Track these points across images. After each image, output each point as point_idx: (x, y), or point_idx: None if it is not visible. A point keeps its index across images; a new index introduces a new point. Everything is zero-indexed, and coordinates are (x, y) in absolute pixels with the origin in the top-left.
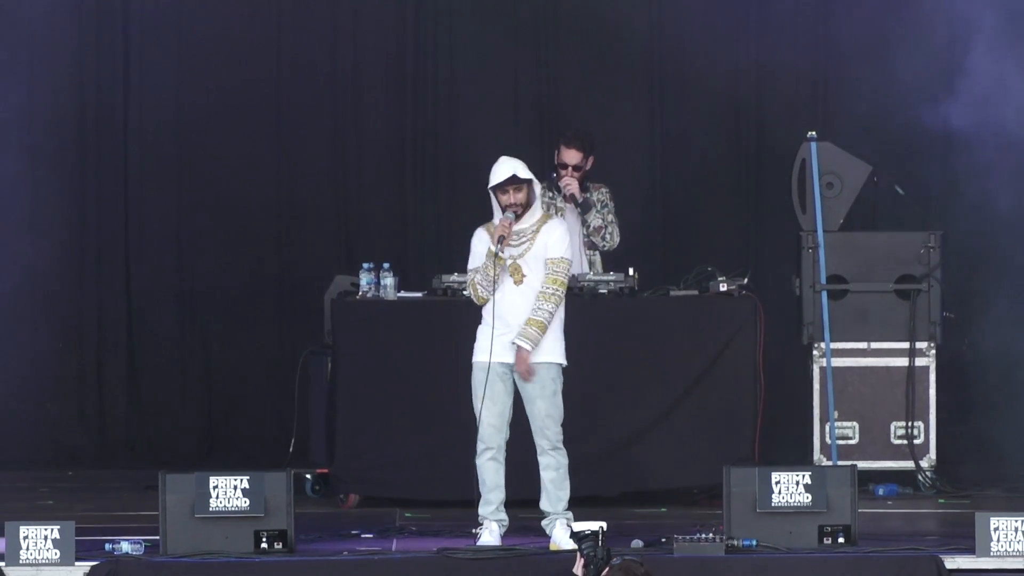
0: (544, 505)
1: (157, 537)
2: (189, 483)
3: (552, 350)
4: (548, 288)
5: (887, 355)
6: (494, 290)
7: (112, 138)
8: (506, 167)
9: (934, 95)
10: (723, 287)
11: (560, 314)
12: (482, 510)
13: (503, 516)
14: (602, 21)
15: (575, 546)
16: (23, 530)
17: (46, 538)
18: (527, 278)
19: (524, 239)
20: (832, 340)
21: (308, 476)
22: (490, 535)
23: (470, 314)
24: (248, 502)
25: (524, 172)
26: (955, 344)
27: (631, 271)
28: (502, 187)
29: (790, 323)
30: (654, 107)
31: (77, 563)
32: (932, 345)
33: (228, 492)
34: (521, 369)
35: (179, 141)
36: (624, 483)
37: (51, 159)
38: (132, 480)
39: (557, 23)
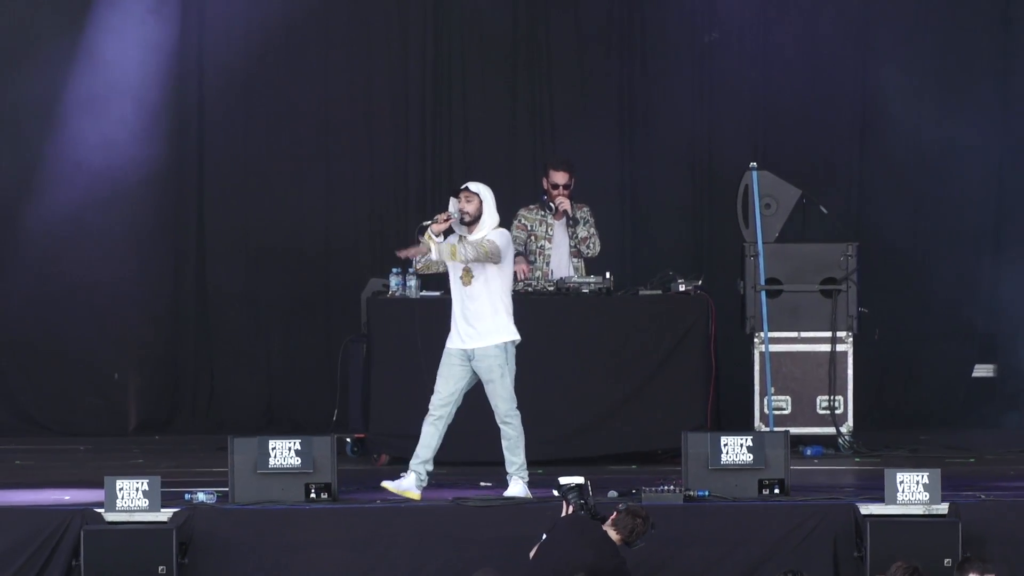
0: (505, 465)
1: (227, 489)
2: (252, 445)
3: (499, 331)
4: (479, 245)
5: (814, 342)
6: (418, 262)
7: (189, 181)
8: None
9: (849, 136)
10: (682, 287)
11: (506, 295)
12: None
13: (420, 469)
14: (583, 71)
15: (528, 495)
16: (119, 483)
17: (137, 489)
18: (475, 279)
19: None
20: (769, 330)
21: (348, 440)
22: (404, 480)
23: None
24: (300, 460)
25: (475, 187)
26: (868, 333)
27: (607, 275)
28: (457, 193)
29: (736, 316)
30: (624, 141)
31: (162, 510)
32: (850, 334)
33: (284, 453)
34: (403, 254)
35: (246, 174)
36: (602, 447)
37: (140, 194)
38: (207, 443)
39: (548, 72)
